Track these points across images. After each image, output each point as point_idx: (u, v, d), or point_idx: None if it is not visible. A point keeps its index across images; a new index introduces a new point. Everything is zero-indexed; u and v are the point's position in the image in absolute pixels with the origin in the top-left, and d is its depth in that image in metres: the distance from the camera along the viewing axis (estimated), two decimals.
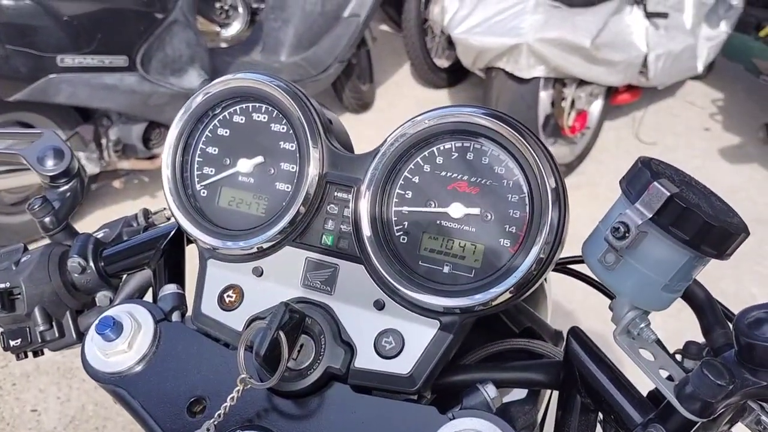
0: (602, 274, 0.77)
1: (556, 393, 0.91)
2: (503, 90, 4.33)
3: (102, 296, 1.05)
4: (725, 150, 5.25)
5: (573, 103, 4.62)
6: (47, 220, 1.06)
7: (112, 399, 0.87)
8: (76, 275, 1.02)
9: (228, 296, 0.91)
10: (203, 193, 0.96)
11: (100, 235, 1.11)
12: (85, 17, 3.35)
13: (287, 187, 0.92)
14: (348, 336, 0.85)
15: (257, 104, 0.95)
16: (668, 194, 0.68)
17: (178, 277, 1.06)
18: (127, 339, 0.84)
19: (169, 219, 1.17)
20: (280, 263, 0.90)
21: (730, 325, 0.90)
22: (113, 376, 0.84)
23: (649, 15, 4.63)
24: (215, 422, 0.75)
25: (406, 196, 0.87)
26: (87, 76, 3.41)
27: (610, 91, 4.99)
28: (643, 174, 0.72)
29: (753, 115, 5.66)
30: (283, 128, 0.93)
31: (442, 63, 5.81)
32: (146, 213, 1.19)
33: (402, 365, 0.82)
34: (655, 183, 0.69)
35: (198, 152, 0.97)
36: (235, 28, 4.98)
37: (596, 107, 4.94)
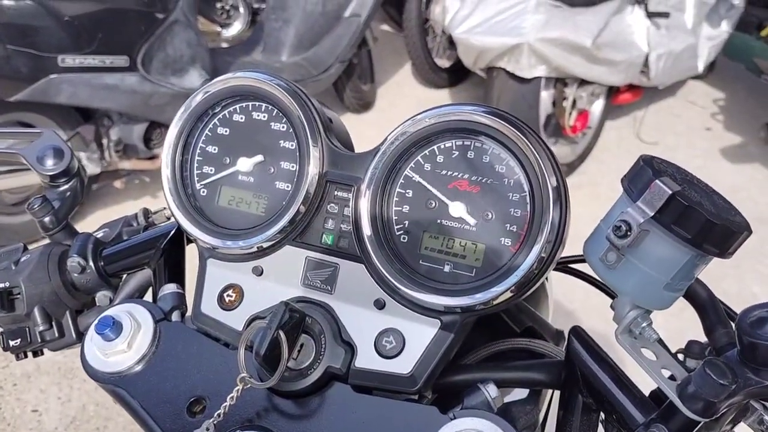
0: (604, 273, 0.76)
1: (557, 393, 0.91)
2: (504, 90, 4.33)
3: (102, 296, 1.04)
4: (726, 149, 5.24)
5: (574, 102, 4.62)
6: (47, 219, 1.05)
7: (112, 399, 0.86)
8: (75, 275, 1.02)
9: (228, 296, 0.90)
10: (203, 192, 0.96)
11: (99, 234, 1.11)
12: (86, 17, 3.35)
13: (287, 186, 0.91)
14: (348, 335, 0.85)
15: (257, 103, 0.94)
16: (670, 192, 0.68)
17: (178, 277, 1.05)
18: (127, 339, 0.84)
19: (169, 218, 1.17)
20: (280, 262, 0.90)
21: (733, 325, 0.90)
22: (113, 376, 0.84)
23: (651, 14, 4.62)
24: (215, 422, 0.74)
25: (407, 195, 0.86)
26: (88, 76, 3.41)
27: (612, 91, 4.99)
28: (645, 172, 0.72)
29: (754, 114, 5.66)
30: (283, 127, 0.93)
31: (443, 63, 5.81)
32: (146, 212, 1.18)
33: (403, 365, 0.82)
34: (657, 181, 0.69)
35: (198, 151, 0.96)
36: (236, 28, 4.98)
37: (597, 107, 4.94)
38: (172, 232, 1.06)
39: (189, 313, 0.94)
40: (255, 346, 0.73)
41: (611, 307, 0.80)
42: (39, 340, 1.01)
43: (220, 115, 0.96)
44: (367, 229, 0.85)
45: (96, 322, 0.84)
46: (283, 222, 0.88)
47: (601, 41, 4.26)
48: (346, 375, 0.83)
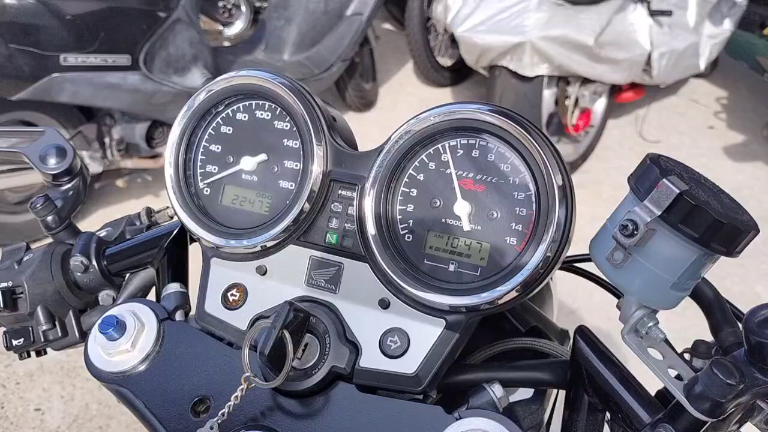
0: (610, 272, 0.76)
1: (562, 392, 0.91)
2: (506, 88, 4.32)
3: (105, 295, 1.04)
4: (729, 148, 5.24)
5: (576, 101, 4.62)
6: (50, 218, 1.05)
7: (116, 398, 0.86)
8: (78, 274, 1.01)
9: (232, 295, 0.90)
10: (206, 191, 0.95)
11: (102, 233, 1.10)
12: (88, 16, 3.34)
13: (291, 185, 0.91)
14: (353, 335, 0.84)
15: (260, 101, 0.94)
16: (678, 191, 0.68)
17: (181, 276, 1.05)
18: (131, 338, 0.83)
19: (172, 217, 1.16)
20: (284, 262, 0.90)
21: (740, 324, 0.89)
22: (116, 375, 0.84)
23: (653, 13, 4.61)
24: (219, 421, 0.74)
25: (411, 193, 0.86)
26: (90, 75, 3.41)
27: (614, 90, 4.99)
28: (651, 171, 0.71)
29: (757, 112, 5.65)
30: (286, 126, 0.92)
31: (445, 61, 5.80)
32: (149, 212, 1.18)
33: (407, 364, 0.82)
34: (665, 180, 0.69)
35: (201, 150, 0.96)
36: (238, 26, 4.99)
37: (600, 105, 4.93)
38: (175, 232, 1.05)
39: (193, 312, 0.94)
40: (259, 345, 0.73)
41: (617, 306, 0.80)
42: (42, 340, 1.01)
43: (224, 114, 0.95)
44: (371, 229, 0.85)
45: (99, 321, 0.83)
46: (287, 221, 0.88)
47: (604, 40, 4.25)
48: (351, 375, 0.82)
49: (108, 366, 0.84)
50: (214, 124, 0.96)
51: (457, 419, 0.74)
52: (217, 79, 0.94)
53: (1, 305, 0.96)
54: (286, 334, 0.74)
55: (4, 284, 0.98)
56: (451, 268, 0.83)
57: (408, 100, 5.73)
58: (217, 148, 0.95)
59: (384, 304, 0.84)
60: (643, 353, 0.75)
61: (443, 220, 0.84)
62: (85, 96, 3.45)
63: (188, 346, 0.85)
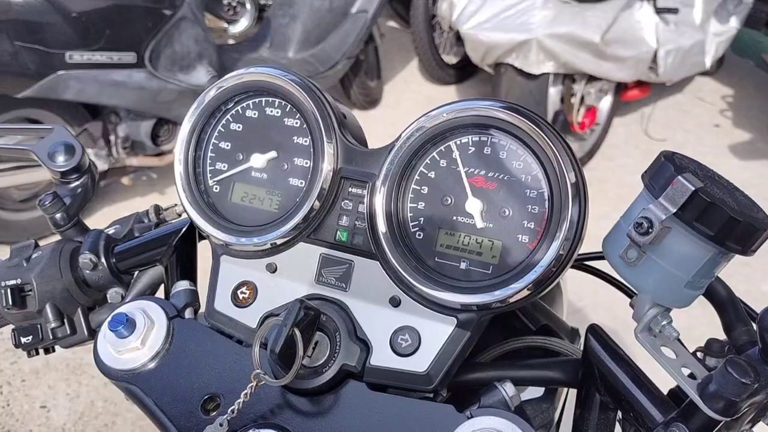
0: (624, 270, 0.75)
1: (572, 391, 0.90)
2: (512, 86, 4.32)
3: (113, 293, 1.04)
4: (735, 146, 5.22)
5: (582, 99, 4.61)
6: (58, 216, 1.05)
7: (124, 396, 0.86)
8: (87, 272, 1.01)
9: (241, 293, 0.90)
10: (216, 188, 0.95)
11: (111, 231, 1.10)
12: (94, 14, 3.35)
13: (301, 183, 0.91)
14: (363, 333, 0.84)
15: (270, 98, 0.93)
16: (693, 189, 0.67)
17: (191, 274, 1.04)
18: (140, 336, 0.83)
19: (180, 215, 1.16)
20: (294, 259, 0.89)
21: (753, 323, 0.89)
22: (126, 373, 0.83)
23: (659, 10, 4.60)
24: (228, 418, 0.74)
25: (422, 191, 0.85)
26: (95, 72, 3.41)
27: (620, 87, 4.97)
28: (666, 168, 0.71)
29: (763, 110, 5.63)
30: (296, 123, 0.92)
31: (450, 59, 5.79)
32: (157, 209, 1.17)
33: (418, 363, 0.81)
34: (680, 177, 0.68)
35: (211, 147, 0.95)
36: (242, 24, 4.97)
37: (605, 103, 4.92)
38: (184, 229, 1.05)
39: (202, 310, 0.94)
40: (270, 343, 0.72)
41: (630, 305, 0.79)
42: (51, 337, 1.00)
43: (233, 111, 0.95)
44: (382, 226, 0.84)
45: (109, 319, 0.83)
46: (297, 219, 0.87)
47: (610, 37, 4.25)
48: (361, 373, 0.82)
49: (117, 364, 0.84)
50: (223, 121, 0.95)
51: (468, 418, 0.73)
52: (227, 76, 0.94)
53: (10, 303, 0.96)
54: (297, 331, 0.73)
55: (12, 282, 0.97)
56: (463, 266, 0.82)
57: (413, 98, 5.73)
58: (227, 146, 0.95)
59: (395, 302, 0.84)
60: (657, 352, 0.74)
61: (454, 218, 0.84)
62: (91, 93, 3.46)
63: (198, 344, 0.85)
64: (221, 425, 0.74)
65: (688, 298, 0.75)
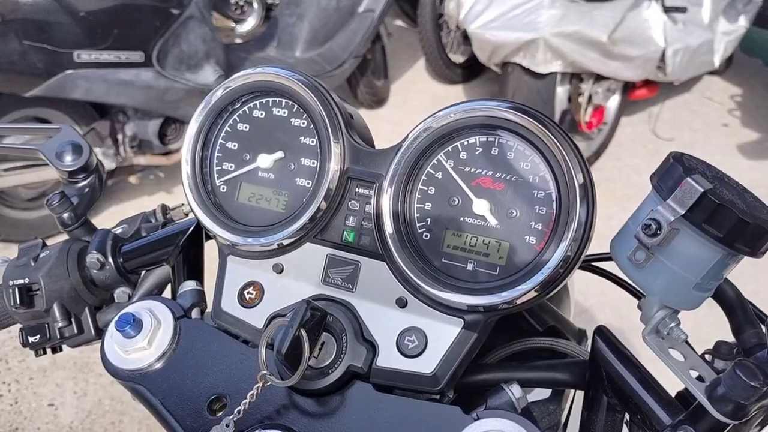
0: (632, 272, 0.75)
1: (579, 393, 0.90)
2: (519, 85, 4.31)
3: (121, 292, 1.04)
4: (744, 146, 5.19)
5: (590, 98, 4.60)
6: (66, 215, 1.05)
7: (131, 395, 0.86)
8: (94, 271, 1.01)
9: (248, 293, 0.90)
10: (223, 188, 0.95)
11: (118, 230, 1.10)
12: (102, 13, 3.36)
13: (308, 183, 0.90)
14: (370, 334, 0.84)
15: (277, 99, 0.93)
16: (702, 190, 0.67)
17: (197, 274, 1.04)
18: (147, 336, 0.83)
19: (187, 215, 1.16)
20: (300, 260, 0.89)
21: (762, 326, 0.88)
22: (133, 373, 0.83)
23: (667, 9, 4.59)
24: (235, 419, 0.74)
25: (429, 192, 0.85)
26: (103, 71, 3.43)
27: (627, 87, 4.96)
28: (675, 169, 0.70)
29: None
30: (303, 123, 0.92)
31: (457, 58, 5.79)
32: (164, 209, 1.17)
33: (425, 364, 0.81)
34: (689, 179, 0.68)
35: (218, 147, 0.95)
36: (249, 23, 4.99)
37: (613, 103, 4.91)
38: (191, 229, 1.05)
39: (209, 310, 0.94)
40: (276, 344, 0.72)
41: (638, 307, 0.79)
42: (58, 337, 1.01)
43: (240, 111, 0.95)
44: (388, 227, 0.84)
45: (116, 318, 0.83)
46: (304, 219, 0.87)
47: (618, 36, 4.23)
48: (368, 374, 0.82)
49: (124, 363, 0.84)
50: (230, 122, 0.95)
51: (475, 420, 0.73)
52: (234, 76, 0.94)
53: (18, 302, 0.96)
54: (303, 332, 0.73)
55: (20, 281, 0.98)
56: (470, 267, 0.82)
57: (420, 98, 5.73)
58: (234, 146, 0.95)
59: (401, 303, 0.83)
60: (665, 354, 0.74)
61: (461, 219, 0.83)
62: (99, 93, 3.47)
63: (204, 344, 0.85)
64: (227, 426, 0.74)
65: (696, 300, 0.75)
